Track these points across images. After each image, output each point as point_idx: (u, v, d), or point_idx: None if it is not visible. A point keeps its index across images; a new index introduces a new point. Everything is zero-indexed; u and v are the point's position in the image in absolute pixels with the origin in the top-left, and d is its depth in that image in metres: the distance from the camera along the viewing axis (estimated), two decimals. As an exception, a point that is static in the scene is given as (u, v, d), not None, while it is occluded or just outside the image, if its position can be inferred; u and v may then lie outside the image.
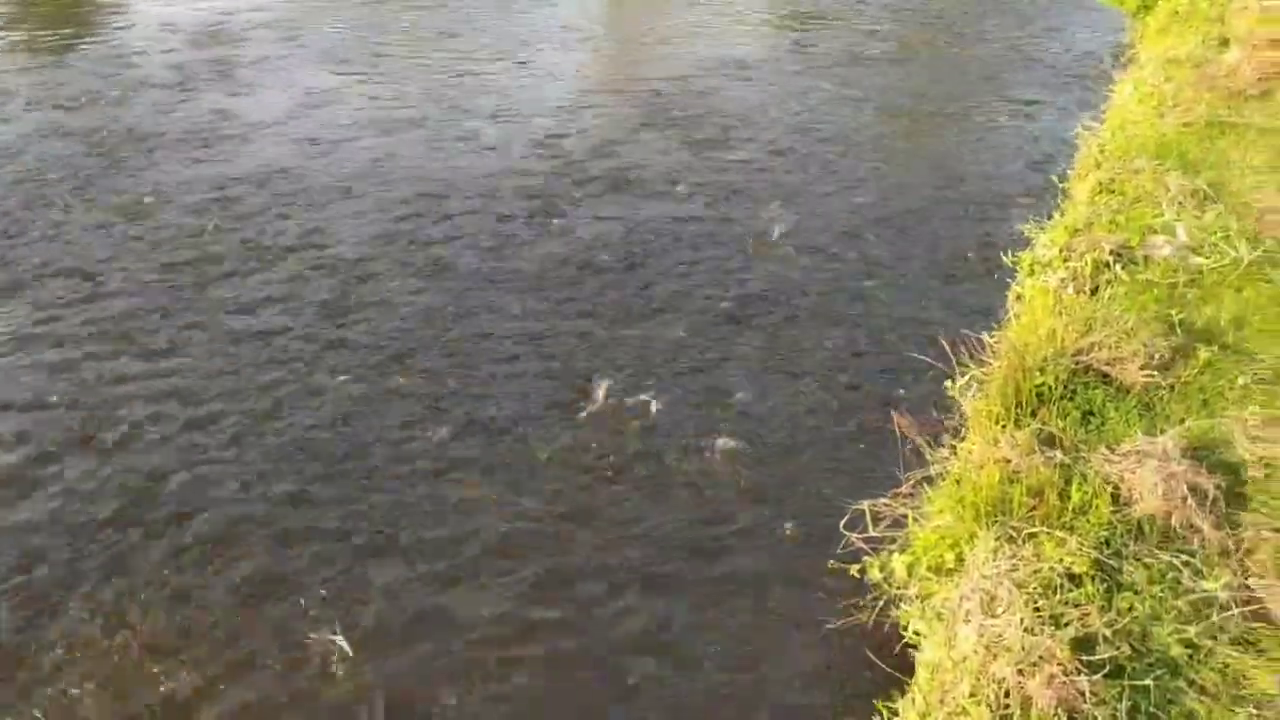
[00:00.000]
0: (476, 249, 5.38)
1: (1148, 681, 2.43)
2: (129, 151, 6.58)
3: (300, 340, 4.54)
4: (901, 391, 4.12)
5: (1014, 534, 2.87)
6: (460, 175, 6.29)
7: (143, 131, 6.91)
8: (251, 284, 4.99)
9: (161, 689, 2.90)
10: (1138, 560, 2.79)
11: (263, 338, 4.56)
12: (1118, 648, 2.51)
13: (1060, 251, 4.47)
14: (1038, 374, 3.55)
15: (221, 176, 6.22)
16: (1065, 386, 3.54)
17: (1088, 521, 2.90)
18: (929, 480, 3.31)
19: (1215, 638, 2.54)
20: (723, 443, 3.92)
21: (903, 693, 2.66)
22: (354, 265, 5.19)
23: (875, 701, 2.62)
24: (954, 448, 3.46)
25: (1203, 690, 2.42)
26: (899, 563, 3.07)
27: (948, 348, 3.63)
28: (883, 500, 3.32)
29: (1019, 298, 4.48)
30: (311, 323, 4.68)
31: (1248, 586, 2.68)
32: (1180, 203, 4.76)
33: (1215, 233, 4.48)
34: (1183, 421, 3.30)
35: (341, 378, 4.29)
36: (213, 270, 5.12)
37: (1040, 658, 2.44)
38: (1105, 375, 3.59)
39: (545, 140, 6.83)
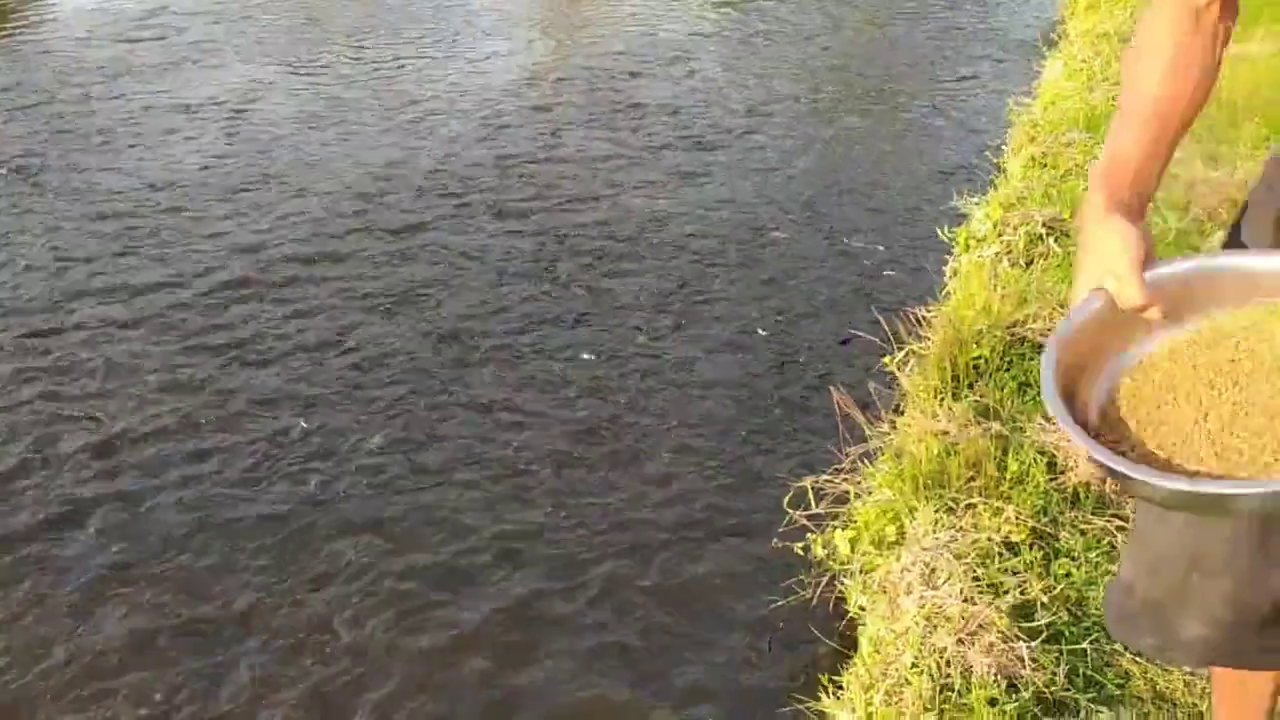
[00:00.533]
0: (425, 244, 5.32)
1: (1085, 645, 2.47)
2: (54, 149, 6.41)
3: (247, 341, 4.47)
4: (841, 369, 4.13)
5: (953, 505, 2.90)
6: (402, 169, 6.21)
7: (69, 128, 6.74)
8: (190, 288, 4.85)
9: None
10: (1074, 527, 2.84)
11: (205, 345, 4.48)
12: (1055, 614, 2.55)
13: (995, 226, 4.52)
14: (974, 347, 3.60)
15: (154, 174, 6.09)
16: (1001, 358, 3.59)
17: (1024, 490, 2.93)
18: (869, 456, 3.34)
19: (1149, 600, 2.58)
20: (669, 424, 3.92)
21: (847, 667, 2.67)
22: (300, 265, 5.09)
23: (820, 676, 2.63)
24: (893, 423, 3.49)
25: (1138, 652, 2.46)
26: (841, 538, 3.09)
27: (884, 324, 3.66)
28: (824, 477, 3.34)
29: (955, 273, 4.52)
30: (258, 327, 4.60)
31: (1179, 548, 2.72)
32: (1111, 175, 4.83)
33: (1145, 203, 4.55)
34: (1115, 389, 3.34)
35: (303, 385, 4.22)
36: (143, 276, 4.98)
37: (980, 626, 2.47)
38: (1040, 346, 3.64)
39: (488, 132, 6.77)
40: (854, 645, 2.79)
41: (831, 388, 3.47)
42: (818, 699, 2.58)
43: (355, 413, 3.97)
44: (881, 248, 5.23)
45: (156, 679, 2.86)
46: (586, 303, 4.72)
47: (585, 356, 4.32)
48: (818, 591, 3.03)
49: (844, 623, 2.94)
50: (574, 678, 2.89)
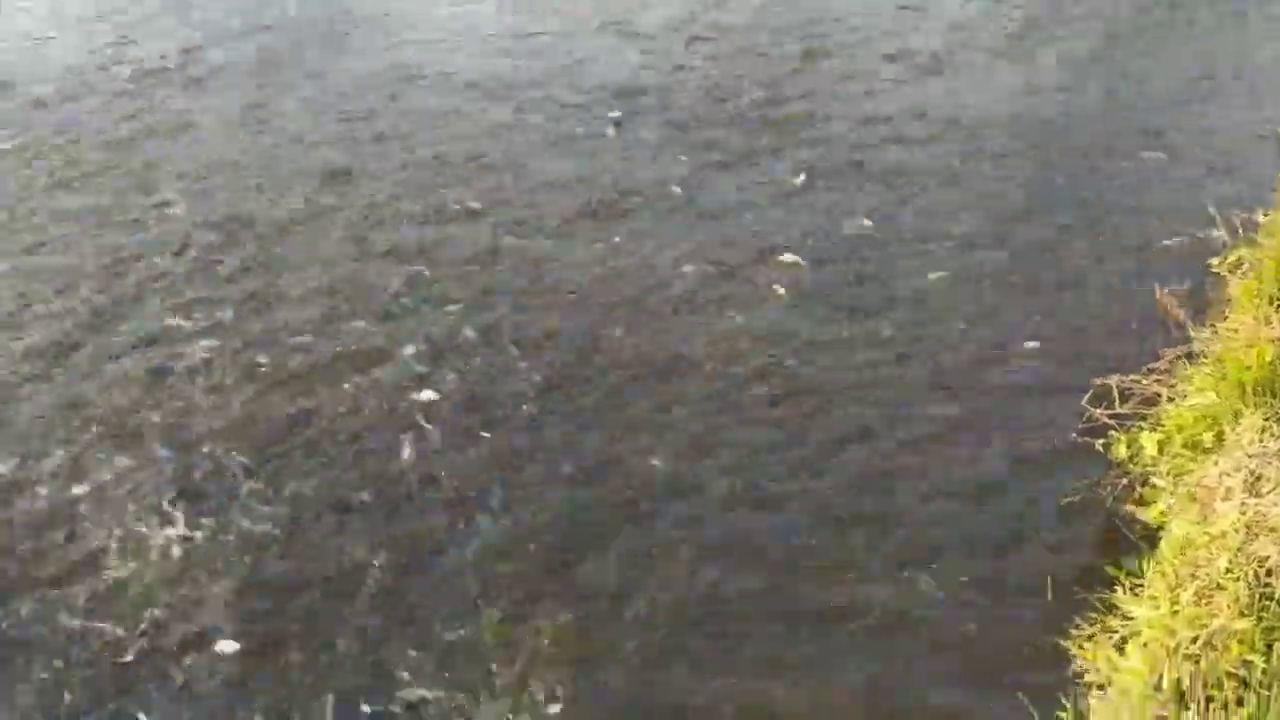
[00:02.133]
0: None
1: None
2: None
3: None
4: (1157, 269, 3.89)
5: (1285, 415, 2.71)
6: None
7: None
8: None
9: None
10: None
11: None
12: (1402, 536, 2.35)
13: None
14: (1316, 254, 3.29)
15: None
16: (1347, 267, 3.27)
17: (1371, 407, 2.70)
18: (1189, 357, 3.15)
19: None
20: (963, 315, 3.83)
21: (1148, 564, 2.58)
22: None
23: (1116, 571, 2.56)
24: (1215, 327, 3.27)
25: None
26: (1149, 439, 2.96)
27: (1220, 221, 3.40)
28: (1132, 377, 3.19)
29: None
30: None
31: None
32: None
33: None
34: None
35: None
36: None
37: (1311, 539, 2.32)
38: (1400, 258, 3.29)
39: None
40: (1151, 544, 2.69)
41: (1156, 285, 3.27)
42: (1112, 590, 2.52)
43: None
44: (1208, 147, 4.81)
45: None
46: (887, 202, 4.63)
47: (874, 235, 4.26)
48: (1115, 490, 2.93)
49: (1142, 524, 2.84)
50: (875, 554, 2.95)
